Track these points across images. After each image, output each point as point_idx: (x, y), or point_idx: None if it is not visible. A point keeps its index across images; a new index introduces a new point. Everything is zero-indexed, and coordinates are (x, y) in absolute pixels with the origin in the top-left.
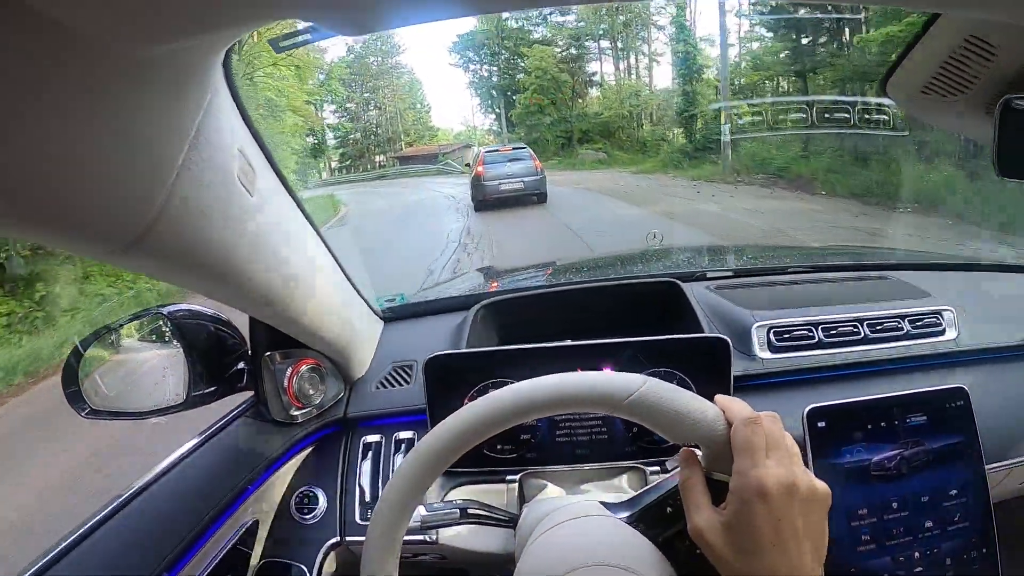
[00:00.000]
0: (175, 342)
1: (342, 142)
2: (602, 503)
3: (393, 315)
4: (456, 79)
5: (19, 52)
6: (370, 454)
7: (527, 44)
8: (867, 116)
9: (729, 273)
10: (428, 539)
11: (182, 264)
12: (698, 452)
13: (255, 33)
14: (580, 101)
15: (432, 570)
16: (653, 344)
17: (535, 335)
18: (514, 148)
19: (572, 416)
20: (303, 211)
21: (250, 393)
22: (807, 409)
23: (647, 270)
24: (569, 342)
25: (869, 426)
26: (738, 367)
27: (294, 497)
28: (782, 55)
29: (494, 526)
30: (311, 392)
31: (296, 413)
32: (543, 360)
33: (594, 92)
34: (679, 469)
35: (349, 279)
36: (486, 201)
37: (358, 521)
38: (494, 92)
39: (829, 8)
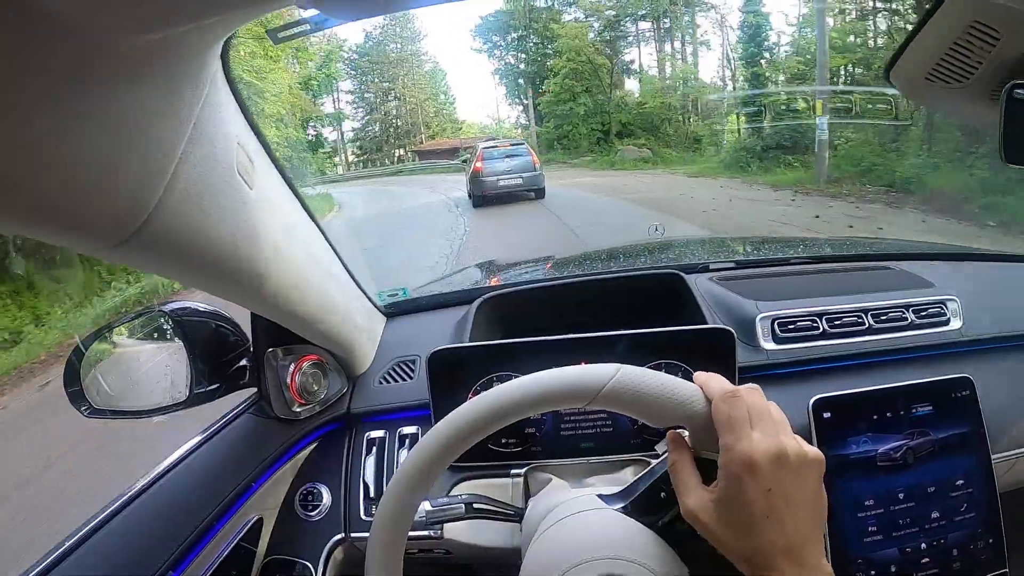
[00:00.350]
0: (177, 340)
1: (358, 134)
2: (599, 496)
3: (395, 310)
4: (480, 67)
5: (10, 42)
6: (374, 449)
7: (558, 22)
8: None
9: (731, 264)
10: (433, 534)
11: (180, 259)
12: (685, 433)
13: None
14: (618, 91)
15: (437, 565)
16: (657, 336)
17: (538, 328)
18: (512, 144)
19: (576, 409)
20: (304, 205)
21: (253, 390)
22: (813, 400)
23: (649, 262)
24: (573, 335)
25: (875, 416)
26: (743, 358)
27: (298, 494)
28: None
29: (500, 520)
30: (314, 388)
31: (299, 409)
32: (547, 353)
33: (635, 79)
34: (667, 452)
35: (351, 274)
36: (484, 197)
37: (363, 517)
38: (521, 81)
39: None
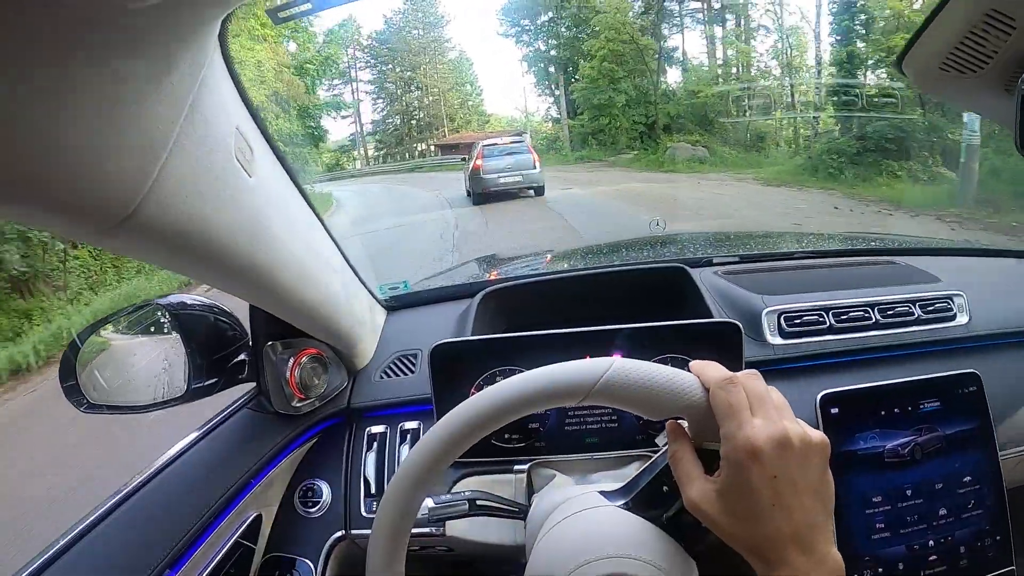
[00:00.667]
0: (174, 333)
1: (377, 126)
2: (601, 492)
3: (396, 303)
4: (508, 55)
5: None
6: (375, 445)
7: None
8: None
9: (736, 258)
10: (435, 531)
11: (175, 246)
12: (685, 424)
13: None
14: (665, 80)
15: (439, 562)
16: (663, 329)
17: (541, 322)
18: (512, 142)
19: (580, 405)
20: (304, 195)
21: (251, 385)
22: (821, 395)
23: (652, 256)
24: (577, 328)
25: (883, 412)
26: (749, 353)
27: (297, 490)
28: None
29: (503, 518)
30: (314, 383)
31: (299, 404)
32: (551, 347)
33: (677, 67)
34: (667, 444)
35: (351, 266)
36: (484, 194)
37: (363, 514)
38: (552, 69)
39: None
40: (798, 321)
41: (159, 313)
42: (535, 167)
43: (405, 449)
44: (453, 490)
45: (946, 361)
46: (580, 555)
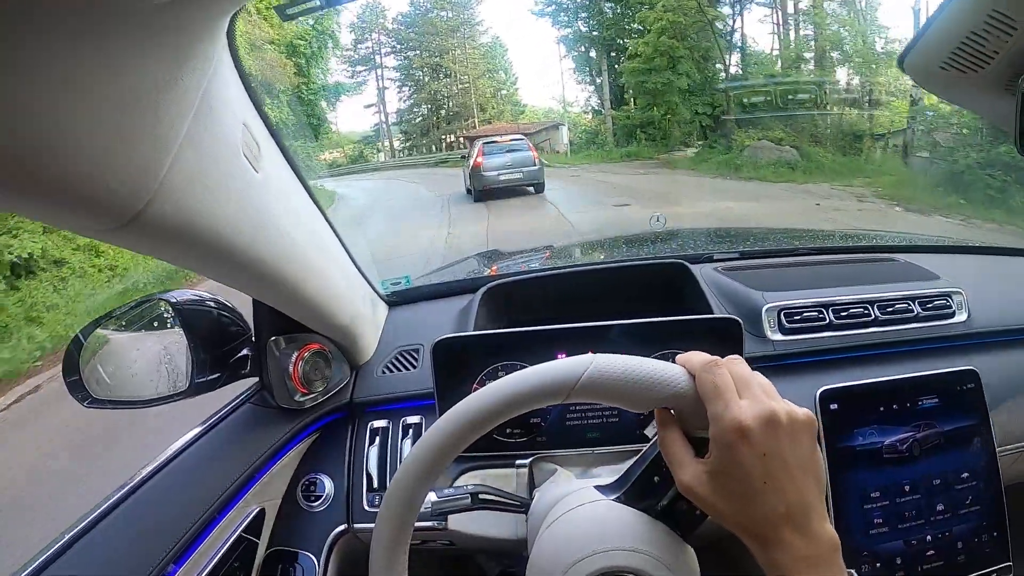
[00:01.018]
0: (177, 328)
1: (402, 116)
2: (596, 487)
3: (398, 299)
4: (545, 37)
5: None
6: (377, 439)
7: None
8: None
9: (736, 255)
10: (437, 525)
11: (183, 242)
12: (673, 413)
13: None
14: (735, 62)
15: (441, 556)
16: (663, 325)
17: (543, 317)
18: (512, 140)
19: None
20: (308, 191)
21: (255, 379)
22: (820, 391)
23: (653, 252)
24: (578, 324)
25: (881, 408)
26: (749, 349)
27: (300, 485)
28: None
29: (505, 512)
30: (316, 377)
31: (301, 399)
32: (552, 342)
33: (763, 42)
34: (656, 433)
35: (354, 261)
36: (485, 191)
37: (366, 508)
38: (593, 52)
39: None
40: (798, 317)
41: (162, 308)
42: (535, 164)
43: (407, 444)
44: (455, 484)
45: (945, 358)
46: (578, 550)
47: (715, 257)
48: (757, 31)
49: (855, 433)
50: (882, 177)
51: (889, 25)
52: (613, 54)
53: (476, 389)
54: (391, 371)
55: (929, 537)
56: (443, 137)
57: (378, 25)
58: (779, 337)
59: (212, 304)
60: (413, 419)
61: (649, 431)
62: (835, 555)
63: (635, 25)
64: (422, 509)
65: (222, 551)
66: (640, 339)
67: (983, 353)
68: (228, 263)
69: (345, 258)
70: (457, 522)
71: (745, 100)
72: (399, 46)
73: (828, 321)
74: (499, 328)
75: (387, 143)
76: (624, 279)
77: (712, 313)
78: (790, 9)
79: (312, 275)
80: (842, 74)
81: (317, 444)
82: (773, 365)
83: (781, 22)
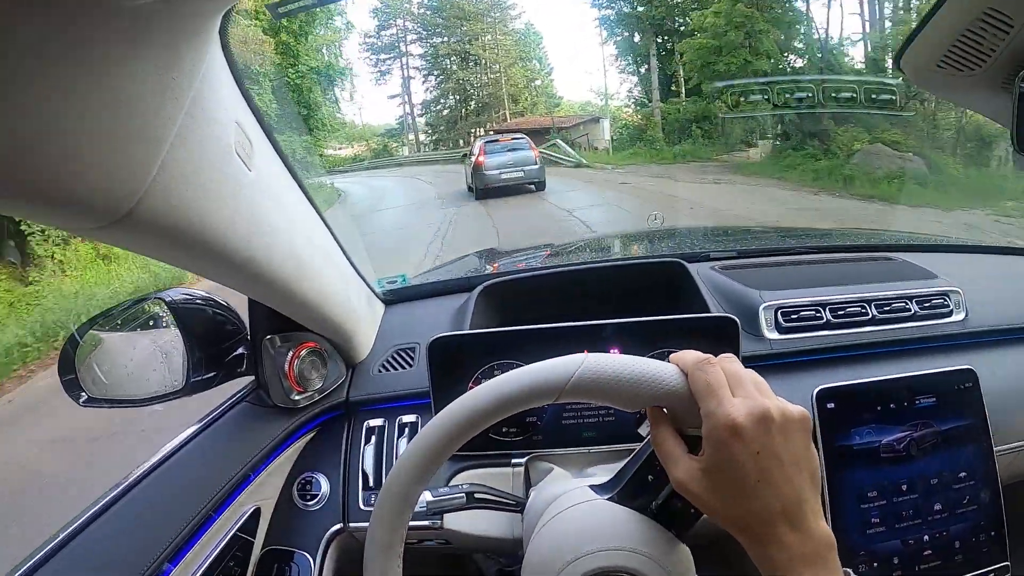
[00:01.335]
0: (173, 327)
1: (428, 107)
2: (591, 487)
3: (394, 297)
4: (583, 22)
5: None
6: (373, 438)
7: None
8: None
9: (734, 253)
10: (433, 524)
11: (176, 240)
12: (665, 411)
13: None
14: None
15: (437, 555)
16: (660, 323)
17: (539, 316)
18: (513, 138)
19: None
20: (303, 189)
21: (250, 378)
22: (817, 390)
23: (650, 251)
24: (574, 323)
25: (879, 407)
26: (746, 348)
27: (296, 483)
28: None
29: (501, 511)
30: (312, 376)
31: (297, 398)
32: (548, 341)
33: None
34: (649, 431)
35: (350, 260)
36: (486, 190)
37: (361, 507)
38: (638, 36)
39: None
40: (795, 316)
41: (158, 307)
42: (536, 163)
43: (403, 442)
44: (451, 483)
45: (942, 357)
46: (572, 549)
47: (712, 256)
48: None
49: (852, 432)
50: None
51: None
52: (662, 38)
53: (472, 388)
54: (387, 370)
55: (926, 537)
56: (472, 130)
57: (403, 10)
58: (776, 336)
59: (207, 303)
60: (409, 418)
61: (642, 430)
62: (830, 552)
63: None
64: (417, 508)
65: (217, 550)
66: (636, 338)
67: (980, 352)
68: (222, 262)
69: (340, 256)
70: (453, 521)
71: (841, 91)
72: (425, 32)
73: (825, 320)
74: (495, 327)
75: (412, 136)
76: (621, 278)
77: (709, 312)
78: None
79: (307, 273)
80: None
81: (313, 443)
82: (770, 364)
83: None
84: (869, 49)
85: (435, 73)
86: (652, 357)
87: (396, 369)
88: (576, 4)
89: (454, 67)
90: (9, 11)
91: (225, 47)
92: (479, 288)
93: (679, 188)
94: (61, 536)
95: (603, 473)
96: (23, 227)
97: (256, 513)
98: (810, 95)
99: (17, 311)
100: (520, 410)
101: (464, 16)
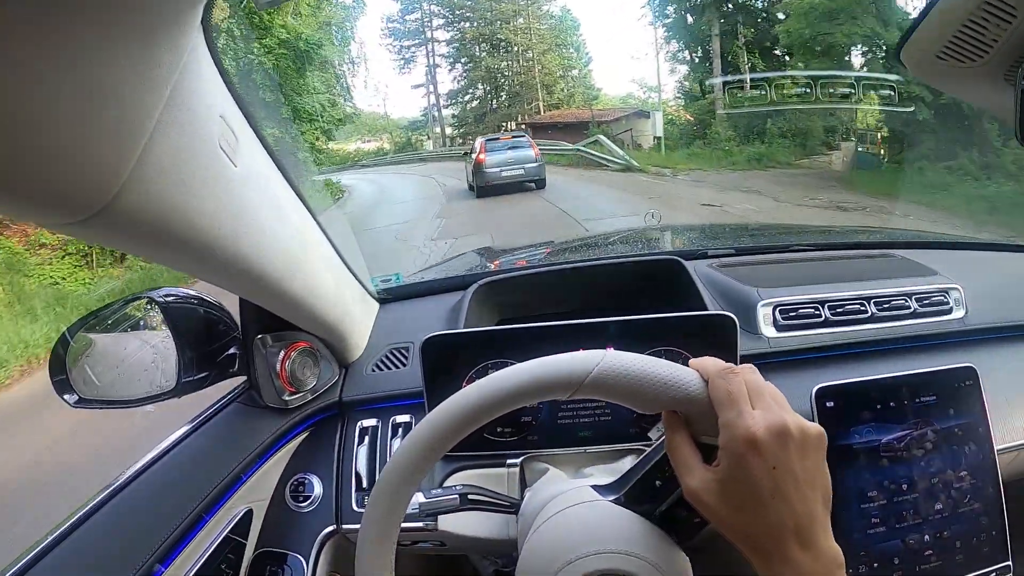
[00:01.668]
0: (164, 327)
1: (455, 98)
2: (594, 487)
3: (388, 296)
4: (624, 2)
5: None
6: (366, 439)
7: None
8: None
9: (731, 251)
10: (427, 526)
11: (157, 236)
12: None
13: None
14: None
15: (433, 557)
16: (657, 322)
17: (534, 315)
18: (514, 137)
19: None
20: (293, 186)
21: (242, 378)
22: (816, 388)
23: (647, 249)
24: (570, 321)
25: (878, 406)
26: (744, 346)
27: (289, 485)
28: None
29: (496, 512)
30: (304, 376)
31: (289, 398)
32: (543, 340)
33: None
34: (663, 436)
35: (342, 258)
36: (487, 188)
37: (355, 508)
38: (691, 17)
39: None
40: (793, 314)
41: (149, 307)
42: (536, 161)
43: (396, 443)
44: (445, 484)
45: (942, 355)
46: (571, 550)
47: (710, 253)
48: None
49: (851, 431)
50: None
51: None
52: (725, 19)
53: (465, 387)
54: (381, 369)
55: (927, 537)
56: (501, 124)
57: None
58: (774, 334)
59: (199, 302)
60: (403, 418)
61: (653, 433)
62: (839, 571)
63: None
64: (410, 510)
65: (209, 552)
66: (633, 336)
67: (981, 350)
68: (207, 259)
69: (333, 254)
70: (447, 523)
71: None
72: (452, 16)
73: (824, 317)
74: (490, 325)
75: (437, 129)
76: (617, 276)
77: (707, 310)
78: None
79: (297, 272)
80: None
81: (306, 444)
82: (768, 362)
83: None
84: None
85: (462, 60)
86: (651, 355)
87: (390, 369)
88: None
89: (483, 54)
90: None
91: (208, 38)
92: (474, 287)
93: (792, 212)
94: (51, 538)
95: (599, 473)
96: None
97: (248, 515)
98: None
99: None
100: (533, 402)
101: None
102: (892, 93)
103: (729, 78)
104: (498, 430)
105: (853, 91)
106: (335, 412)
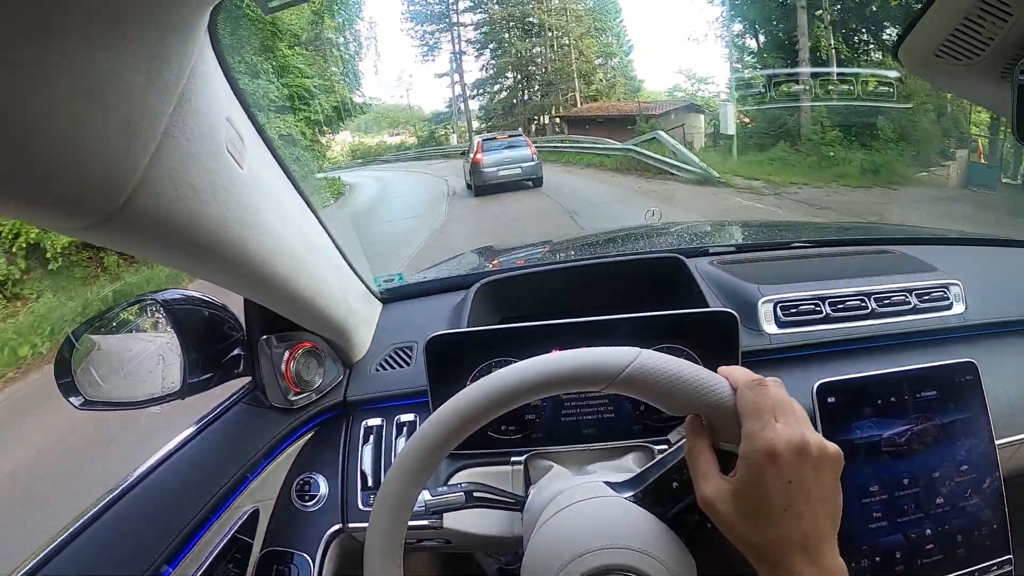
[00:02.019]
0: (169, 329)
1: (483, 87)
2: (606, 483)
3: (391, 296)
4: None
5: None
6: (371, 438)
7: None
8: None
9: (732, 248)
10: (432, 524)
11: (166, 239)
12: (704, 423)
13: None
14: None
15: (438, 555)
16: (659, 319)
17: (537, 313)
18: (510, 136)
19: (578, 395)
20: (297, 187)
21: (247, 379)
22: (817, 384)
23: (647, 246)
24: (573, 319)
25: (879, 401)
26: (745, 342)
27: (295, 484)
28: None
29: (501, 509)
30: (309, 376)
31: (294, 398)
32: (546, 338)
33: None
34: (684, 439)
35: (346, 258)
36: (484, 187)
37: (360, 507)
38: None
39: None
40: (794, 310)
41: (154, 308)
42: (533, 160)
43: (401, 442)
44: (450, 482)
45: (942, 350)
46: (584, 543)
47: (710, 251)
48: None
49: (853, 427)
50: None
51: None
52: None
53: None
54: (385, 369)
55: (928, 531)
56: (533, 117)
57: None
58: (775, 330)
59: (204, 304)
60: (407, 417)
61: (673, 436)
62: None
63: None
64: (416, 508)
65: (216, 551)
66: (635, 334)
67: (981, 345)
68: (214, 261)
69: (336, 255)
70: (453, 520)
71: None
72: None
73: (825, 314)
74: (493, 324)
75: (462, 123)
76: (619, 274)
77: (708, 307)
78: None
79: (302, 272)
80: None
81: (311, 443)
82: (769, 358)
83: None
84: None
85: (491, 46)
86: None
87: (394, 368)
88: None
89: (513, 38)
90: None
91: (215, 43)
92: (476, 286)
93: None
94: (60, 539)
95: (603, 471)
96: None
97: (255, 514)
98: None
99: None
100: (562, 392)
101: None
102: None
103: (818, 69)
104: (503, 428)
105: None
106: (340, 412)
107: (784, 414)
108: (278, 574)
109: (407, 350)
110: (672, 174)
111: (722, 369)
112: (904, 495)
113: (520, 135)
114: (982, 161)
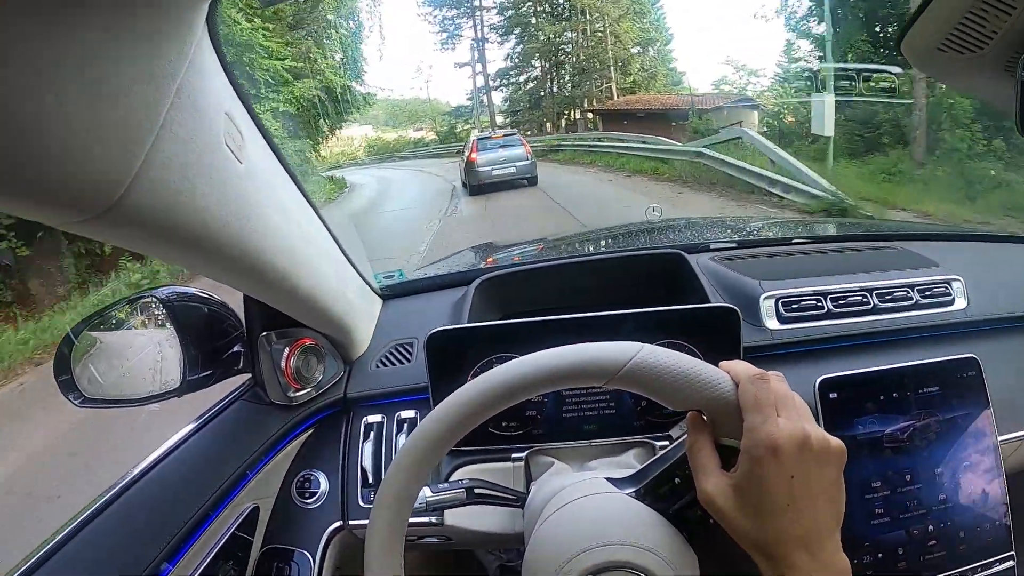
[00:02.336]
0: (168, 326)
1: (507, 78)
2: (608, 479)
3: (391, 292)
4: None
5: None
6: (372, 435)
7: None
8: None
9: (733, 244)
10: (433, 520)
11: (164, 233)
12: (705, 418)
13: None
14: None
15: (439, 551)
16: (661, 315)
17: (537, 309)
18: (505, 135)
19: (579, 391)
20: (297, 183)
21: (247, 376)
22: (819, 379)
23: (649, 242)
24: (574, 315)
25: (882, 397)
26: (747, 338)
27: (295, 481)
28: None
29: (502, 506)
30: (309, 373)
31: (294, 395)
32: (548, 334)
33: None
34: (685, 435)
35: (346, 254)
36: (480, 186)
37: (361, 504)
38: None
39: None
40: (796, 306)
41: (153, 305)
42: (527, 158)
43: (402, 439)
44: (451, 479)
45: (945, 346)
46: (586, 539)
47: (712, 247)
48: None
49: (855, 422)
50: None
51: None
52: None
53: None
54: (385, 365)
55: (931, 527)
56: (563, 111)
57: None
58: (777, 326)
59: (203, 300)
60: (408, 413)
61: (675, 432)
62: None
63: None
64: (416, 505)
65: (216, 549)
66: (637, 329)
67: (983, 340)
68: (213, 256)
69: (336, 251)
70: (453, 517)
71: None
72: None
73: (826, 310)
74: (493, 320)
75: (485, 117)
76: (620, 270)
77: (709, 303)
78: None
79: (302, 268)
80: None
81: (311, 440)
82: (771, 354)
83: None
84: None
85: (516, 31)
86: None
87: (394, 364)
88: None
89: (541, 22)
90: None
91: (213, 36)
92: (476, 281)
93: None
94: (58, 537)
95: (605, 467)
96: None
97: (255, 512)
98: None
99: None
100: (564, 387)
101: None
102: None
103: None
104: (503, 424)
105: None
106: (340, 408)
107: (786, 408)
108: (278, 572)
109: (407, 346)
110: (767, 193)
111: (724, 364)
112: (906, 491)
113: (515, 134)
114: None
